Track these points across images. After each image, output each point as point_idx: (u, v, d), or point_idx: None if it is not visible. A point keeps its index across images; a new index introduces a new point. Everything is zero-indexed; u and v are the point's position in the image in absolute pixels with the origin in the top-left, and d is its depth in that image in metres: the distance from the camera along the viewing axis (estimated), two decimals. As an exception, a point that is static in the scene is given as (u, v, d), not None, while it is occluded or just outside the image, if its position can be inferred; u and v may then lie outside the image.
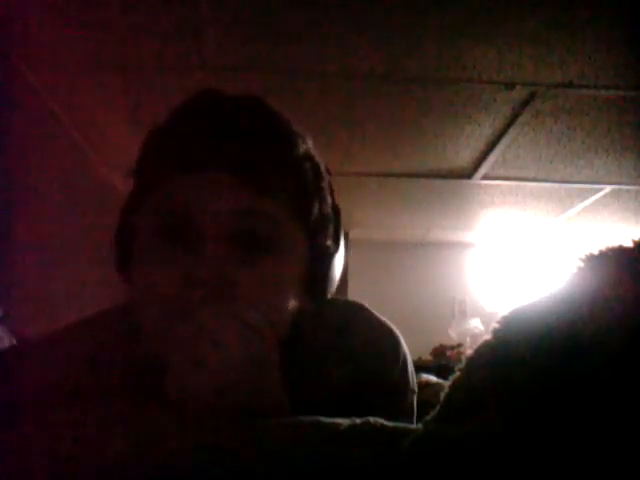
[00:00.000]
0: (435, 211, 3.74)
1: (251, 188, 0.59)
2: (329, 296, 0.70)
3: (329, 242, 0.68)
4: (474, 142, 2.63)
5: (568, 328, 0.47)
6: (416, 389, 0.72)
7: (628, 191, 3.19)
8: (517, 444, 0.45)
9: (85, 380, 0.61)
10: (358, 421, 0.51)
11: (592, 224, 3.81)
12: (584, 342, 0.46)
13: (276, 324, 0.60)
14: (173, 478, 0.49)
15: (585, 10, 1.71)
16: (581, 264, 0.51)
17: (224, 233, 0.59)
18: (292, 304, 0.62)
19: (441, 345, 4.00)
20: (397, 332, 0.73)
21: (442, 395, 0.53)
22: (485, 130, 2.50)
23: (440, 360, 3.76)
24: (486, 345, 0.52)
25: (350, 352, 0.69)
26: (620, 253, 0.50)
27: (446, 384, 0.54)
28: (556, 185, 3.13)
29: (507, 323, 0.52)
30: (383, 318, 0.74)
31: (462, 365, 0.53)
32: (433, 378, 2.33)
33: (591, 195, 3.28)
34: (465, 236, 4.31)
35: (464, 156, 2.80)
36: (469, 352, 0.54)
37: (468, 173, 3.01)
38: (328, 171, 0.69)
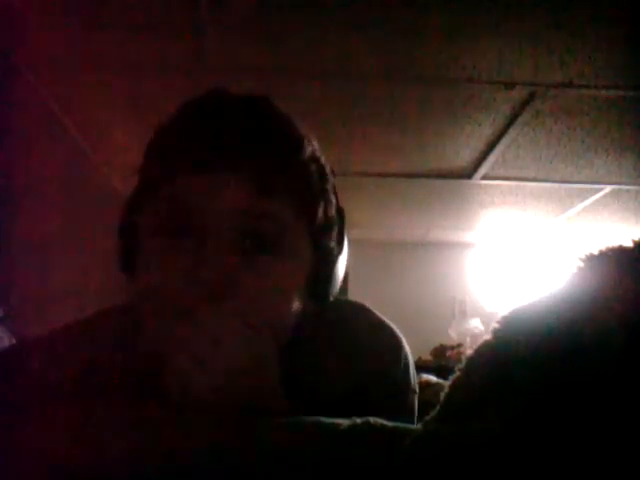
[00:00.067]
0: (435, 211, 3.74)
1: (257, 189, 0.59)
2: (331, 298, 0.70)
3: (333, 244, 0.68)
4: (474, 142, 2.63)
5: (568, 328, 0.47)
6: (417, 390, 0.72)
7: (628, 191, 3.19)
8: (517, 444, 0.45)
9: (85, 380, 0.61)
10: (358, 421, 0.51)
11: (592, 224, 3.81)
12: (584, 342, 0.46)
13: (278, 325, 0.60)
14: (173, 478, 0.49)
15: (585, 10, 1.71)
16: (581, 264, 0.51)
17: (228, 233, 0.59)
18: (295, 306, 0.62)
19: (441, 345, 4.00)
20: (399, 332, 0.73)
21: (442, 395, 0.53)
22: (485, 130, 2.50)
23: (440, 360, 3.76)
24: (486, 345, 0.52)
25: (351, 352, 0.69)
26: (620, 253, 0.50)
27: (446, 384, 0.54)
28: (556, 185, 3.13)
29: (507, 323, 0.52)
30: (384, 318, 0.74)
31: (462, 365, 0.53)
32: (433, 378, 2.33)
33: (591, 195, 3.28)
34: (465, 236, 4.31)
35: (464, 156, 2.80)
36: (469, 352, 0.54)
37: (468, 173, 3.01)
38: (332, 172, 0.69)
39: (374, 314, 0.74)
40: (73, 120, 2.43)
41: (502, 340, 0.51)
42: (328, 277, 0.68)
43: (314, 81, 2.13)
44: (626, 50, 1.90)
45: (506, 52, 1.92)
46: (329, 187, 0.67)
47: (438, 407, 0.53)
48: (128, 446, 0.50)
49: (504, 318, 0.52)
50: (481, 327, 4.02)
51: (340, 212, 0.70)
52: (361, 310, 0.75)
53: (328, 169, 0.68)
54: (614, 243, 0.51)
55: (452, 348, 3.96)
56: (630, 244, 0.50)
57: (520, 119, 2.36)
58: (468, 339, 4.02)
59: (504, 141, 2.58)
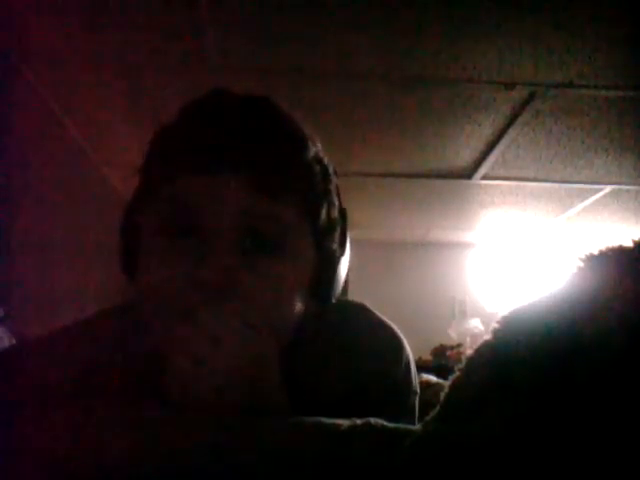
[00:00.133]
0: (435, 211, 3.74)
1: (260, 190, 0.59)
2: (333, 299, 0.70)
3: (335, 245, 0.68)
4: (474, 142, 2.63)
5: (568, 328, 0.47)
6: (418, 390, 0.72)
7: (628, 191, 3.19)
8: (517, 444, 0.45)
9: (85, 380, 0.61)
10: (359, 422, 0.51)
11: (592, 224, 3.81)
12: (584, 342, 0.46)
13: (279, 325, 0.60)
14: (173, 478, 0.49)
15: (585, 10, 1.71)
16: (581, 264, 0.51)
17: (230, 234, 0.59)
18: (297, 307, 0.62)
19: (441, 345, 4.00)
20: (399, 333, 0.73)
21: (442, 395, 0.53)
22: (485, 130, 2.50)
23: (440, 360, 3.76)
24: (486, 345, 0.52)
25: (352, 353, 0.69)
26: (620, 253, 0.50)
27: (446, 384, 0.53)
28: (556, 185, 3.13)
29: (507, 323, 0.52)
30: (385, 319, 0.74)
31: (462, 365, 0.53)
32: (433, 378, 2.33)
33: (591, 195, 3.28)
34: (465, 236, 4.31)
35: (464, 156, 2.80)
36: (469, 352, 0.54)
37: (468, 173, 3.01)
38: (335, 173, 0.69)
39: (374, 314, 0.74)
40: (73, 120, 2.43)
41: (502, 340, 0.51)
42: (330, 278, 0.68)
43: (314, 81, 2.13)
44: (626, 50, 1.91)
45: (506, 52, 1.92)
46: (332, 188, 0.67)
47: (438, 407, 0.53)
48: (128, 446, 0.50)
49: (504, 318, 0.52)
50: (481, 327, 4.02)
51: (343, 213, 0.70)
52: (361, 310, 0.74)
53: (331, 170, 0.67)
54: (614, 243, 0.51)
55: (452, 348, 3.96)
56: (630, 244, 0.50)
57: (520, 119, 2.36)
58: (468, 339, 4.02)
59: (504, 141, 2.58)
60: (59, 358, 0.65)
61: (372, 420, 0.51)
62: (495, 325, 0.53)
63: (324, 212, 0.65)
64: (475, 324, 4.10)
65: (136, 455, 0.49)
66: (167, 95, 2.09)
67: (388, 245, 4.32)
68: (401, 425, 0.51)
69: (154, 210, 0.62)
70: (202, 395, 0.53)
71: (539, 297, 0.52)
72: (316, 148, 0.65)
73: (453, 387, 0.53)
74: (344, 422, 0.51)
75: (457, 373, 0.53)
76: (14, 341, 1.72)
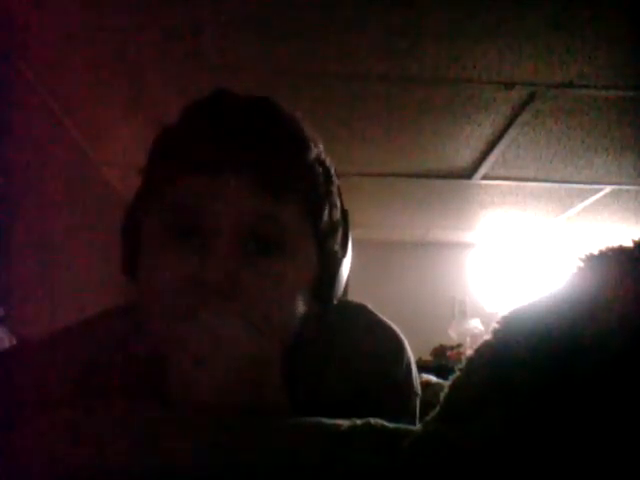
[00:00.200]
0: (435, 211, 3.74)
1: (263, 191, 0.59)
2: (335, 301, 0.70)
3: (337, 247, 0.68)
4: (474, 142, 2.63)
5: (568, 328, 0.47)
6: (419, 392, 0.72)
7: (628, 191, 3.19)
8: (517, 444, 0.45)
9: (85, 380, 0.61)
10: (359, 422, 0.51)
11: (592, 224, 3.81)
12: (584, 342, 0.46)
13: (280, 326, 0.60)
14: (173, 478, 0.49)
15: (585, 10, 1.71)
16: (581, 264, 0.51)
17: (231, 235, 0.58)
18: (298, 308, 0.62)
19: (441, 345, 4.00)
20: (400, 334, 0.73)
21: (442, 395, 0.53)
22: (485, 130, 2.50)
23: (440, 360, 3.76)
24: (486, 345, 0.52)
25: (352, 353, 0.69)
26: (620, 253, 0.50)
27: (446, 384, 0.53)
28: (556, 185, 3.13)
29: (507, 323, 0.52)
30: (385, 319, 0.74)
31: (462, 365, 0.53)
32: (433, 378, 2.32)
33: (591, 195, 3.28)
34: (465, 236, 4.31)
35: (464, 156, 2.80)
36: (469, 352, 0.54)
37: (468, 173, 3.01)
38: (337, 174, 0.69)
39: (375, 315, 0.74)
40: (73, 120, 2.43)
41: (502, 340, 0.51)
42: (332, 280, 0.67)
43: (314, 81, 2.13)
44: (626, 50, 1.91)
45: (506, 52, 1.92)
46: (334, 189, 0.67)
47: (438, 407, 0.53)
48: (128, 446, 0.50)
49: (504, 318, 0.52)
50: (481, 327, 4.02)
51: (344, 214, 0.69)
52: (362, 311, 0.74)
53: (333, 171, 0.67)
54: (614, 243, 0.51)
55: (452, 348, 3.96)
56: (630, 244, 0.50)
57: (520, 119, 2.36)
58: (468, 339, 4.02)
59: (504, 141, 2.58)
60: (59, 358, 0.65)
61: (372, 420, 0.51)
62: (495, 325, 0.53)
63: (326, 213, 0.65)
64: (475, 324, 4.10)
65: (136, 455, 0.49)
66: (167, 95, 2.09)
67: (388, 245, 4.32)
68: (401, 425, 0.52)
69: (155, 210, 0.62)
70: (202, 395, 0.53)
71: (539, 297, 0.52)
72: (318, 149, 0.65)
73: (453, 387, 0.53)
74: (344, 422, 0.51)
75: (457, 373, 0.53)
76: (14, 341, 1.72)
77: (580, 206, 3.48)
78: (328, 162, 0.67)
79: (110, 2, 1.72)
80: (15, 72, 1.99)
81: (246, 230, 0.59)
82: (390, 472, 0.47)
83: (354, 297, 0.77)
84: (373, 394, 0.66)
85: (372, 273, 4.13)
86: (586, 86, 2.11)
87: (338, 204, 0.68)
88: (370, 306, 0.75)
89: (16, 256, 1.93)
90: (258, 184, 0.59)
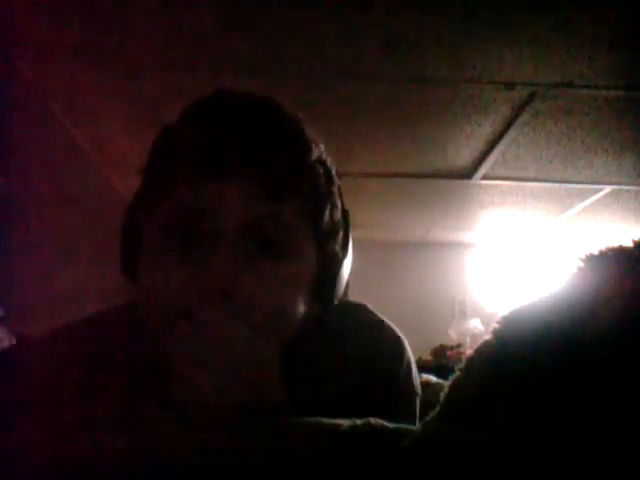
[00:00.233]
0: (435, 211, 3.74)
1: (264, 191, 0.59)
2: (336, 302, 0.70)
3: (338, 248, 0.68)
4: (474, 142, 2.63)
5: (568, 327, 0.47)
6: (419, 392, 0.72)
7: (628, 191, 3.19)
8: (517, 444, 0.45)
9: (85, 380, 0.61)
10: (359, 422, 0.51)
11: (592, 224, 3.81)
12: (584, 342, 0.46)
13: (280, 326, 0.60)
14: (173, 478, 0.49)
15: (585, 10, 1.71)
16: (581, 264, 0.51)
17: (233, 236, 0.58)
18: (299, 308, 0.62)
19: (441, 345, 3.99)
20: (400, 334, 0.73)
21: (442, 395, 0.53)
22: (485, 130, 2.50)
23: (440, 360, 3.75)
24: (486, 345, 0.52)
25: (352, 354, 0.68)
26: (620, 253, 0.50)
27: (446, 384, 0.54)
28: (556, 185, 3.13)
29: (507, 323, 0.52)
30: (385, 319, 0.74)
31: (462, 365, 0.53)
32: (433, 378, 2.32)
33: (591, 195, 3.28)
34: (465, 236, 4.31)
35: (464, 156, 2.80)
36: (469, 352, 0.54)
37: (468, 173, 3.01)
38: (337, 175, 0.68)
39: (375, 315, 0.74)
40: (73, 120, 2.43)
41: (502, 340, 0.51)
42: (332, 281, 0.67)
43: (314, 81, 2.13)
44: (626, 50, 1.90)
45: (506, 52, 1.92)
46: (335, 190, 0.67)
47: (438, 407, 0.53)
48: (128, 446, 0.50)
49: (504, 318, 0.52)
50: (481, 327, 4.01)
51: (345, 215, 0.69)
52: (362, 311, 0.74)
53: (334, 172, 0.67)
54: (614, 243, 0.51)
55: (452, 348, 3.96)
56: (630, 244, 0.50)
57: (520, 119, 2.36)
58: (468, 339, 4.02)
59: (504, 141, 2.58)
60: (59, 358, 0.65)
61: (372, 420, 0.51)
62: (495, 325, 0.53)
63: (327, 214, 0.64)
64: (475, 324, 4.09)
65: (136, 455, 0.49)
66: (167, 95, 2.09)
67: (388, 245, 4.32)
68: (401, 425, 0.52)
69: (156, 210, 0.62)
70: (202, 395, 0.53)
71: (539, 297, 0.52)
72: (319, 150, 0.65)
73: (453, 387, 0.53)
74: (344, 422, 0.51)
75: (457, 373, 0.53)
76: (14, 341, 1.72)
77: (580, 206, 3.48)
78: (329, 163, 0.67)
79: (110, 2, 1.72)
80: (15, 72, 1.99)
81: (247, 230, 0.59)
82: (391, 472, 0.47)
83: (354, 297, 0.77)
84: (373, 394, 0.66)
85: (372, 273, 4.12)
86: (586, 86, 2.11)
87: (339, 205, 0.68)
88: (370, 306, 0.75)
89: (16, 256, 1.93)
90: (259, 184, 0.59)
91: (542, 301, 0.51)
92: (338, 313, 0.71)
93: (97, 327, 0.70)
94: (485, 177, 3.04)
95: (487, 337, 0.53)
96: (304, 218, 0.62)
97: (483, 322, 4.04)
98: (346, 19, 1.77)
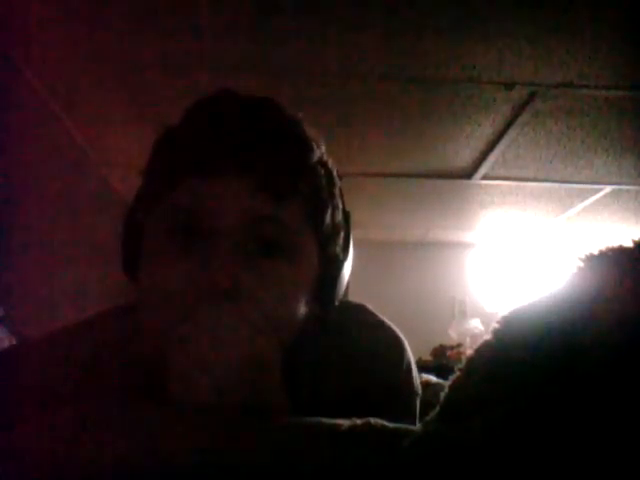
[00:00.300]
0: (435, 211, 3.74)
1: (265, 192, 0.59)
2: (337, 303, 0.70)
3: (339, 249, 0.68)
4: (474, 142, 2.63)
5: (568, 328, 0.47)
6: (420, 392, 0.72)
7: (628, 191, 3.19)
8: (517, 444, 0.45)
9: (85, 380, 0.61)
10: (359, 422, 0.51)
11: (592, 224, 3.81)
12: (584, 342, 0.46)
13: (281, 327, 0.60)
14: (173, 478, 0.49)
15: (585, 10, 1.71)
16: (581, 264, 0.51)
17: (234, 236, 0.58)
18: (299, 309, 0.62)
19: (441, 345, 3.99)
20: (400, 334, 0.73)
21: (442, 395, 0.53)
22: (485, 130, 2.50)
23: (440, 360, 3.75)
24: (486, 345, 0.52)
25: (353, 354, 0.68)
26: (620, 253, 0.50)
27: (446, 384, 0.53)
28: (556, 185, 3.13)
29: (507, 323, 0.52)
30: (385, 319, 0.74)
31: (462, 365, 0.53)
32: (433, 378, 2.32)
33: (591, 195, 3.28)
34: (465, 236, 4.31)
35: (464, 156, 2.80)
36: (469, 352, 0.54)
37: (468, 173, 3.01)
38: (339, 176, 0.68)
39: (375, 315, 0.74)
40: (73, 120, 2.43)
41: (502, 340, 0.51)
42: (333, 282, 0.67)
43: (314, 81, 2.13)
44: (626, 50, 1.91)
45: (506, 52, 1.92)
46: (336, 191, 0.67)
47: (438, 407, 0.53)
48: (128, 446, 0.50)
49: (504, 318, 0.52)
50: (481, 327, 4.02)
51: (346, 216, 0.69)
52: (362, 311, 0.74)
53: (335, 173, 0.67)
54: (614, 243, 0.51)
55: (452, 348, 3.96)
56: (630, 244, 0.50)
57: (520, 119, 2.36)
58: (468, 339, 4.02)
59: (504, 141, 2.58)
60: (59, 358, 0.65)
61: (372, 420, 0.51)
62: (495, 325, 0.53)
63: (328, 215, 0.64)
64: (475, 324, 4.09)
65: (136, 455, 0.49)
66: (167, 95, 2.09)
67: (388, 245, 4.32)
68: (401, 425, 0.52)
69: (157, 211, 0.62)
70: (202, 395, 0.53)
71: (539, 297, 0.52)
72: (320, 151, 0.65)
73: (453, 387, 0.53)
74: (344, 422, 0.51)
75: (457, 373, 0.53)
76: (14, 341, 1.72)
77: (580, 206, 3.48)
78: (330, 164, 0.67)
79: (110, 2, 1.72)
80: (15, 72, 1.99)
81: (247, 231, 0.59)
82: (391, 472, 0.47)
83: (354, 297, 0.77)
84: (373, 394, 0.66)
85: (372, 273, 4.13)
86: (586, 86, 2.11)
87: (340, 206, 0.68)
88: (370, 306, 0.75)
89: (16, 256, 1.93)
90: (260, 185, 0.59)
91: (542, 301, 0.51)
92: (338, 313, 0.71)
93: (97, 327, 0.70)
94: (485, 177, 3.04)
95: (487, 337, 0.53)
96: (305, 219, 0.62)
97: (483, 322, 4.04)
98: (346, 19, 1.77)
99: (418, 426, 0.52)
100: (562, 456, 0.44)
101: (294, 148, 0.62)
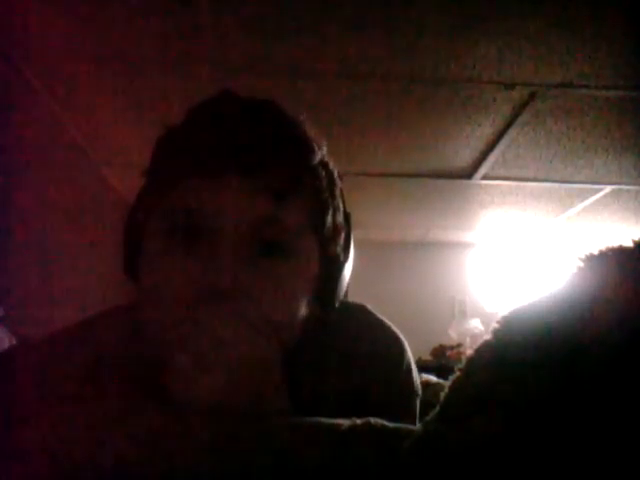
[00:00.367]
0: (435, 211, 3.74)
1: (267, 194, 0.59)
2: (337, 304, 0.70)
3: (340, 250, 0.68)
4: (474, 142, 2.63)
5: (568, 328, 0.47)
6: (420, 392, 0.72)
7: (628, 191, 3.19)
8: (518, 444, 0.45)
9: (86, 380, 0.61)
10: (359, 422, 0.51)
11: (592, 224, 3.81)
12: (584, 342, 0.46)
13: (282, 328, 0.60)
14: (172, 478, 0.49)
15: (585, 10, 1.71)
16: (581, 264, 0.51)
17: (235, 237, 0.58)
18: (300, 310, 0.62)
19: (441, 345, 4.00)
20: (400, 334, 0.73)
21: (442, 395, 0.53)
22: (485, 130, 2.50)
23: (440, 360, 3.75)
24: (486, 345, 0.52)
25: (353, 354, 0.69)
26: (620, 253, 0.50)
27: (446, 384, 0.53)
28: (556, 185, 3.13)
29: (507, 323, 0.52)
30: (385, 320, 0.74)
31: (462, 365, 0.53)
32: (433, 378, 2.32)
33: (591, 195, 3.28)
34: (465, 236, 4.31)
35: (464, 156, 2.80)
36: (469, 352, 0.54)
37: (468, 173, 3.01)
38: (340, 177, 0.69)
39: (375, 315, 0.74)
40: (73, 120, 2.43)
41: (502, 340, 0.51)
42: (334, 283, 0.67)
43: (314, 81, 2.13)
44: (626, 50, 1.90)
45: (506, 52, 1.92)
46: (337, 192, 0.67)
47: (438, 407, 0.53)
48: (128, 446, 0.50)
49: (504, 318, 0.52)
50: (481, 327, 4.02)
51: (347, 218, 0.69)
52: (362, 311, 0.74)
53: (336, 174, 0.67)
54: (614, 243, 0.51)
55: (452, 348, 3.96)
56: (630, 244, 0.50)
57: (520, 119, 2.36)
58: (468, 339, 4.02)
59: (504, 141, 2.58)
60: (59, 358, 0.65)
61: (372, 420, 0.51)
62: (495, 325, 0.53)
63: (329, 216, 0.64)
64: (475, 324, 4.10)
65: (136, 455, 0.49)
66: (167, 95, 2.09)
67: (388, 245, 4.32)
68: (401, 425, 0.52)
69: (158, 211, 0.62)
70: (203, 396, 0.53)
71: (539, 297, 0.52)
72: (322, 152, 0.65)
73: (453, 387, 0.53)
74: (344, 422, 0.51)
75: (457, 373, 0.53)
76: (14, 341, 1.73)
77: (580, 206, 3.48)
78: (331, 165, 0.67)
79: (111, 2, 1.72)
80: (15, 72, 1.99)
81: (248, 232, 0.59)
82: (391, 472, 0.47)
83: (354, 297, 0.77)
84: (373, 394, 0.66)
85: (372, 273, 4.13)
86: (586, 86, 2.11)
87: (341, 207, 0.68)
88: (370, 306, 0.75)
89: (16, 256, 1.93)
90: (261, 186, 0.59)
91: (542, 301, 0.51)
92: (338, 314, 0.71)
93: (98, 328, 0.70)
94: (485, 177, 3.04)
95: (487, 337, 0.53)
96: (306, 220, 0.62)
97: (483, 322, 4.04)
98: (346, 19, 1.77)
99: (418, 426, 0.52)
100: (562, 456, 0.44)
101: (295, 149, 0.62)
